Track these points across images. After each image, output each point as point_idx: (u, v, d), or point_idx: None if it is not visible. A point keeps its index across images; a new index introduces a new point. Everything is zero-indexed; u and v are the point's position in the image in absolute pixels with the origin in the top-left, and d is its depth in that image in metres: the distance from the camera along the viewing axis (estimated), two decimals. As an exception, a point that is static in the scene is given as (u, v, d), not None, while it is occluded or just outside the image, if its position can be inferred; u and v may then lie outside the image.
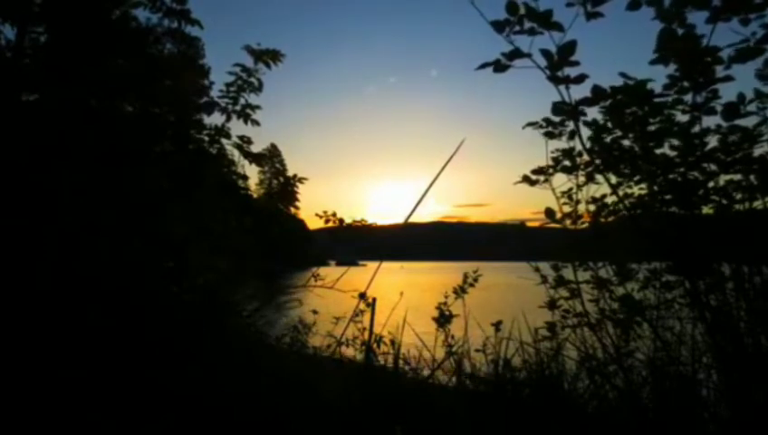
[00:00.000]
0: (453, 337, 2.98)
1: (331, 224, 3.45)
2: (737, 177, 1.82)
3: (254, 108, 3.01)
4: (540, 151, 2.20)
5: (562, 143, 2.13)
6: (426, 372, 2.87)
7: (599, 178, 2.10)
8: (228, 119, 2.98)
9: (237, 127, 3.01)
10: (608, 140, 1.91)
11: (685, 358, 1.91)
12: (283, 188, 3.43)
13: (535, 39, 1.71)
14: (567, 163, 2.16)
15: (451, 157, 2.61)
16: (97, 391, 2.08)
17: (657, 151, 1.88)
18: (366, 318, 3.32)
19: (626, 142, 1.91)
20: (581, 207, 2.18)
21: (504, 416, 2.20)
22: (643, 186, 2.00)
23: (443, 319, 3.07)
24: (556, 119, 1.98)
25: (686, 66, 1.60)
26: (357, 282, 3.42)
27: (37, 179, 2.30)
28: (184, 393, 2.18)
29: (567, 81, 1.73)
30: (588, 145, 1.94)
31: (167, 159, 2.77)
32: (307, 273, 3.70)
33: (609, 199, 2.12)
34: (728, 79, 1.59)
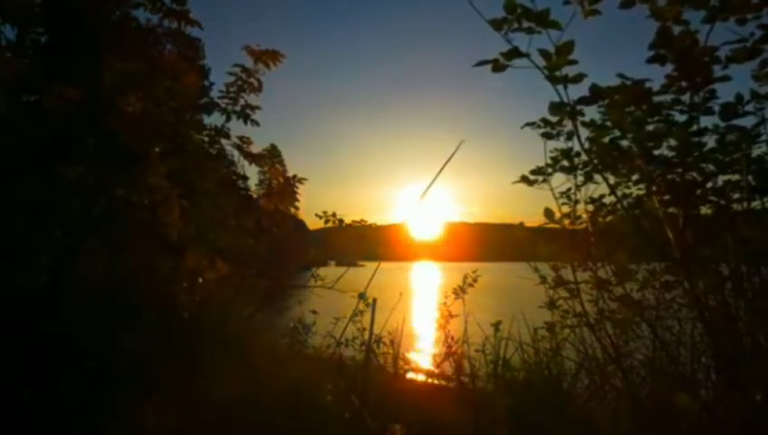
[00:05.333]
0: (453, 337, 2.99)
1: (330, 224, 3.45)
2: (735, 177, 1.82)
3: (254, 108, 3.02)
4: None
5: (561, 144, 2.13)
6: (426, 372, 2.87)
7: (597, 178, 2.10)
8: (228, 119, 2.98)
9: (237, 127, 3.02)
10: (606, 140, 1.90)
11: (684, 358, 1.91)
12: (284, 189, 3.43)
13: (534, 39, 1.70)
14: (565, 163, 2.15)
15: (449, 158, 2.61)
16: (96, 391, 2.08)
17: (656, 152, 1.87)
18: (365, 318, 3.33)
19: (624, 143, 1.91)
20: (580, 208, 2.18)
21: (503, 416, 2.20)
22: (641, 186, 2.00)
23: (443, 319, 3.08)
24: (553, 119, 1.97)
25: (683, 66, 1.59)
26: (356, 281, 3.42)
27: (37, 180, 2.31)
28: (182, 393, 2.18)
29: (565, 80, 1.72)
30: (586, 145, 1.94)
31: (166, 160, 2.77)
32: (307, 273, 3.71)
33: (608, 199, 2.12)
34: (726, 79, 1.59)
